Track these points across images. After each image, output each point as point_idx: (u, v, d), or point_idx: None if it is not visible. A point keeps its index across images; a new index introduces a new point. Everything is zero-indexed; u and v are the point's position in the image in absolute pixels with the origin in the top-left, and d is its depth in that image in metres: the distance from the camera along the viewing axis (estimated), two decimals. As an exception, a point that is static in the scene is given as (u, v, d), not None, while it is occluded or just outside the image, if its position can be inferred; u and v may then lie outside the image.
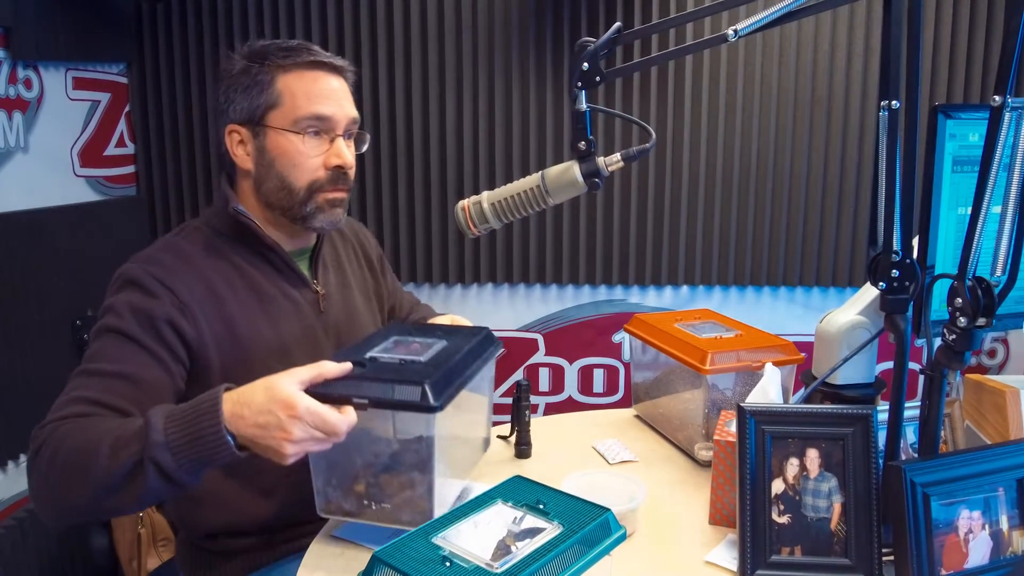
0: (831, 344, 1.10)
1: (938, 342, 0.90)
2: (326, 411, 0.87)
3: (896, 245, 0.89)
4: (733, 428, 1.05)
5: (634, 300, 2.36)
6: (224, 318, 1.09)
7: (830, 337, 1.10)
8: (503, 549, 0.78)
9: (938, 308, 0.96)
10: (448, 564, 0.75)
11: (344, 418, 0.88)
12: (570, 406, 2.42)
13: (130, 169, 2.31)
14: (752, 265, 2.29)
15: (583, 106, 0.97)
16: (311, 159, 1.13)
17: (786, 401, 1.23)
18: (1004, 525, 0.89)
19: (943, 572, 0.85)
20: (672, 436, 1.34)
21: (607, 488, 1.03)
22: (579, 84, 0.96)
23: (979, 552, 0.87)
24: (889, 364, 2.17)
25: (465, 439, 1.12)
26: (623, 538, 0.83)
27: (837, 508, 0.91)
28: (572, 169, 1.00)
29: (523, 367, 2.41)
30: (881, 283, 0.90)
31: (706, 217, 2.27)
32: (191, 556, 1.20)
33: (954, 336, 0.86)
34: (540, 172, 1.02)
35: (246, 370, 1.07)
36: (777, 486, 0.92)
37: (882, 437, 0.93)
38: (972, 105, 1.88)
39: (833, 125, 2.20)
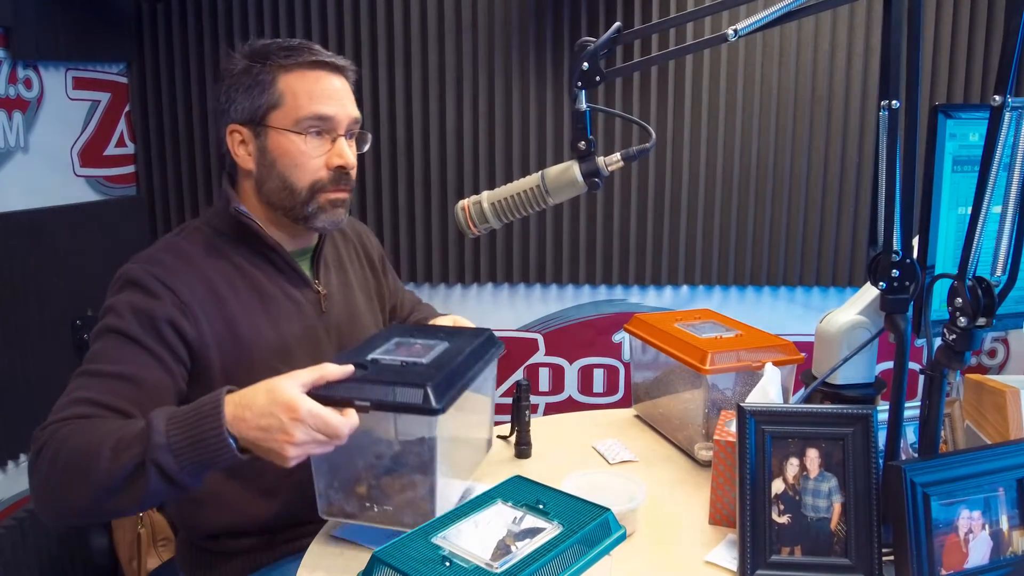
0: (831, 344, 1.10)
1: (938, 342, 0.90)
2: (328, 414, 0.87)
3: (896, 245, 0.89)
4: (733, 428, 1.05)
5: (634, 300, 2.36)
6: (225, 318, 1.09)
7: (830, 337, 1.10)
8: (503, 549, 0.78)
9: (938, 308, 0.96)
10: (448, 564, 0.75)
11: (346, 421, 0.88)
12: (570, 406, 2.42)
13: (130, 169, 2.31)
14: (752, 265, 2.29)
15: (583, 106, 0.97)
16: (313, 159, 1.12)
17: (786, 401, 1.23)
18: (1004, 525, 0.89)
19: (943, 572, 0.85)
20: (672, 436, 1.34)
21: (607, 488, 1.03)
22: (579, 84, 0.96)
23: (979, 552, 0.87)
24: (889, 364, 2.17)
25: (467, 440, 1.12)
26: (623, 538, 0.83)
27: (837, 508, 0.91)
28: (572, 169, 1.00)
29: (523, 367, 2.41)
30: (881, 283, 0.90)
31: (706, 217, 2.27)
32: (191, 556, 1.20)
33: (954, 336, 0.86)
34: (540, 172, 1.02)
35: (247, 370, 1.07)
36: (777, 486, 0.92)
37: (882, 437, 0.93)
38: (972, 105, 1.88)
39: (833, 125, 2.20)
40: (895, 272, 0.89)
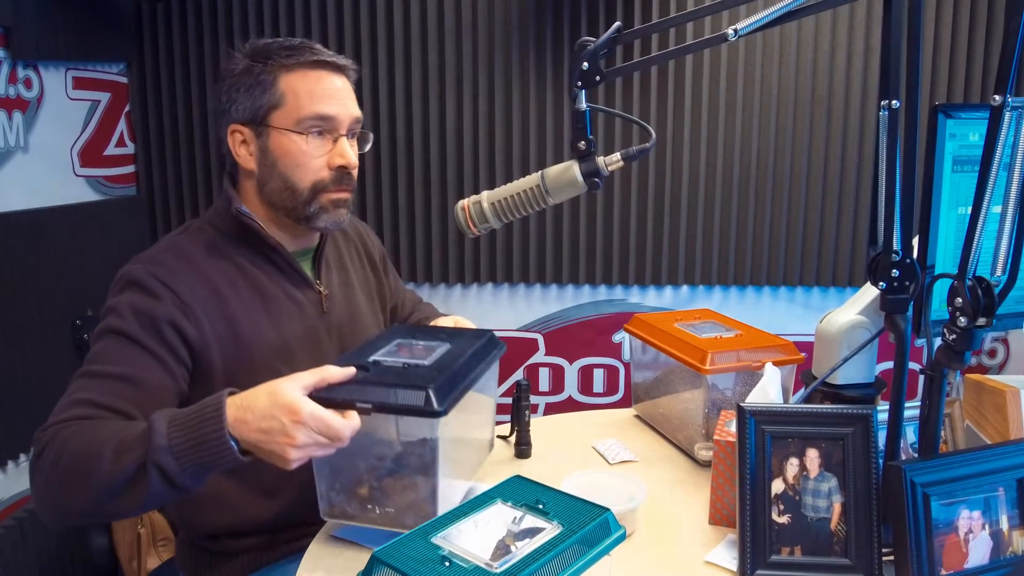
0: (831, 344, 1.10)
1: (938, 342, 0.90)
2: (330, 416, 0.86)
3: (896, 245, 0.89)
4: (733, 428, 1.05)
5: (634, 300, 2.36)
6: (227, 319, 1.09)
7: (830, 337, 1.10)
8: (503, 549, 0.78)
9: (938, 308, 0.96)
10: (447, 564, 0.75)
11: (348, 423, 0.87)
12: (570, 406, 2.42)
13: (130, 169, 2.31)
14: (752, 265, 2.29)
15: (583, 106, 0.97)
16: (315, 159, 1.12)
17: (786, 401, 1.23)
18: (1004, 525, 0.89)
19: (943, 572, 0.85)
20: (672, 436, 1.34)
21: (607, 488, 1.03)
22: (579, 83, 0.96)
23: (979, 552, 0.87)
24: (889, 364, 2.17)
25: (469, 441, 1.12)
26: (623, 538, 0.83)
27: (837, 508, 0.91)
28: (572, 169, 1.00)
29: (523, 367, 2.41)
30: (881, 283, 0.90)
31: (706, 217, 2.27)
32: (191, 556, 1.20)
33: (954, 336, 0.86)
34: (540, 172, 1.02)
35: (249, 371, 1.07)
36: (777, 486, 0.92)
37: (882, 437, 0.93)
38: (972, 105, 1.88)
39: (833, 125, 2.20)
40: (895, 272, 0.89)
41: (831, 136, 2.20)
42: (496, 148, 2.25)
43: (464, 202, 1.04)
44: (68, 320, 1.85)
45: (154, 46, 2.27)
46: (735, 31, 0.90)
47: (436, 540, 0.80)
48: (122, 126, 2.26)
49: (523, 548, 0.78)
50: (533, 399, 1.89)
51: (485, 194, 1.04)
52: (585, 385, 2.42)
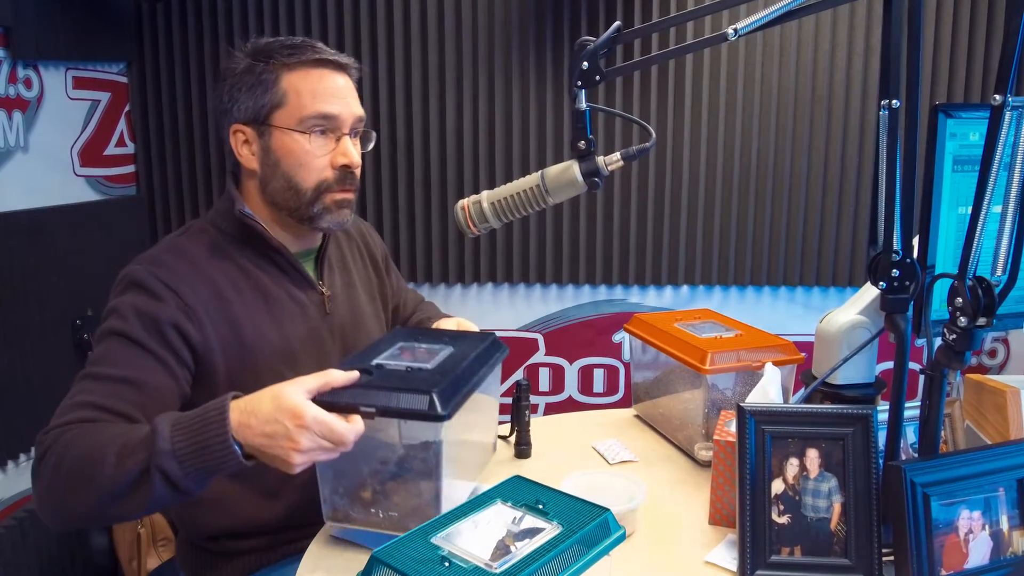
0: (831, 344, 1.10)
1: (938, 342, 0.89)
2: (333, 420, 0.86)
3: (896, 245, 0.89)
4: (733, 428, 1.05)
5: (634, 300, 2.36)
6: (230, 321, 1.08)
7: (830, 337, 1.10)
8: (502, 549, 0.78)
9: (938, 308, 0.96)
10: (447, 564, 0.75)
11: (351, 427, 0.87)
12: (570, 406, 2.42)
13: (130, 169, 2.31)
14: (752, 265, 2.29)
15: (583, 105, 0.97)
16: (317, 159, 1.11)
17: (786, 401, 1.23)
18: (1004, 525, 0.89)
19: (943, 572, 0.85)
20: (672, 436, 1.34)
21: (607, 488, 1.03)
22: (579, 83, 0.96)
23: (979, 552, 0.87)
24: (889, 364, 2.17)
25: (472, 443, 1.12)
26: (623, 538, 0.83)
27: (837, 508, 0.91)
28: (572, 168, 1.00)
29: (523, 367, 2.41)
30: (881, 283, 0.90)
31: (706, 217, 2.27)
32: (192, 556, 1.20)
33: (954, 336, 0.86)
34: (540, 171, 1.02)
35: (252, 373, 1.07)
36: (777, 486, 0.92)
37: (882, 437, 0.93)
38: (972, 104, 1.88)
39: (833, 125, 2.20)
40: (895, 272, 0.89)
41: (831, 136, 2.20)
42: (496, 148, 2.25)
43: (464, 202, 1.04)
44: (68, 320, 1.85)
45: (154, 46, 2.27)
46: (735, 31, 0.90)
47: (436, 540, 0.80)
48: (122, 126, 2.26)
49: (523, 548, 0.78)
50: (533, 399, 1.89)
51: (485, 194, 1.04)
52: (585, 385, 2.42)
